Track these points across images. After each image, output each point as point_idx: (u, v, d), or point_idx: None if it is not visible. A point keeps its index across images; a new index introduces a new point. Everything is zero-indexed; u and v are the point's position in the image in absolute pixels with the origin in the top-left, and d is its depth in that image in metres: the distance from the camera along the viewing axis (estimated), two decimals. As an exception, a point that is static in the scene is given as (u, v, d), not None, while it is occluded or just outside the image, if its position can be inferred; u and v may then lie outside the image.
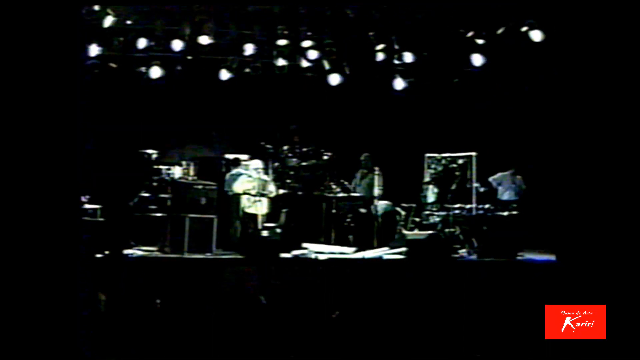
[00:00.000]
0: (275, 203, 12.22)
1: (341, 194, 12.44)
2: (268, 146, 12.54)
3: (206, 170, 12.53)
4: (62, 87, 5.29)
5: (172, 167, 11.97)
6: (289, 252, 10.90)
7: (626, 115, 5.38)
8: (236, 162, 12.32)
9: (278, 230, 11.65)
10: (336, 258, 10.84)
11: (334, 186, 12.48)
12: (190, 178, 12.01)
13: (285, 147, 12.68)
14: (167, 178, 11.76)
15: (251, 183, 12.03)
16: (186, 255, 10.80)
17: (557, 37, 6.00)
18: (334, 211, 12.20)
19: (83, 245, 5.58)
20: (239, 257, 10.57)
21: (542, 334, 5.68)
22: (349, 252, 11.35)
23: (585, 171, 5.44)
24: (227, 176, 12.18)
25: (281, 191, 12.43)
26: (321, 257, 10.78)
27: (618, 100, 5.42)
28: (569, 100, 5.50)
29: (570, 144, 5.50)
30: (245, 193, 12.01)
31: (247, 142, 12.89)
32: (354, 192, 12.66)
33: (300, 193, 12.47)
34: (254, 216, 11.93)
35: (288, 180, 12.55)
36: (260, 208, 11.95)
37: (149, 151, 11.96)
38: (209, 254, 10.97)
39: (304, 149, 12.73)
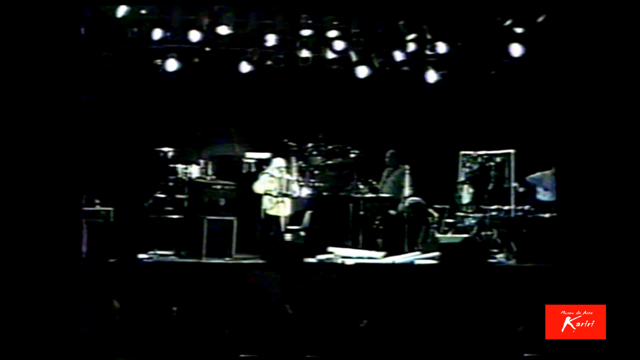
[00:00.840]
0: (299, 204, 12.30)
1: (369, 195, 12.43)
2: (291, 144, 12.57)
3: (225, 169, 12.61)
4: (60, 82, 5.43)
5: (189, 166, 11.98)
6: (313, 256, 10.90)
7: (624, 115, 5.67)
8: (269, 162, 12.43)
9: (302, 234, 11.77)
10: (364, 263, 10.84)
11: (361, 186, 12.48)
12: (208, 178, 12.00)
13: (310, 145, 12.71)
14: (184, 178, 11.80)
15: (273, 183, 12.06)
16: (204, 260, 10.87)
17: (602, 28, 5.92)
18: (361, 213, 12.19)
19: (82, 250, 5.82)
20: (261, 262, 10.50)
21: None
22: (377, 256, 11.34)
23: (585, 170, 5.73)
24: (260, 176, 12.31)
25: (305, 192, 12.47)
26: (348, 262, 10.78)
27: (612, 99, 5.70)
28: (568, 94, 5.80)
29: (568, 141, 5.82)
30: (266, 194, 12.04)
31: (268, 139, 12.96)
32: (381, 192, 12.64)
33: (325, 193, 12.52)
34: (276, 218, 12.00)
35: (313, 180, 12.57)
36: (282, 209, 11.99)
37: (165, 149, 11.97)
38: (228, 259, 11.03)
39: (330, 147, 12.74)
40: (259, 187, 12.14)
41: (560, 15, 6.36)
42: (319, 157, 12.70)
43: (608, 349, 5.62)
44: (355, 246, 11.91)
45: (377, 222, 12.08)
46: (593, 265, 5.63)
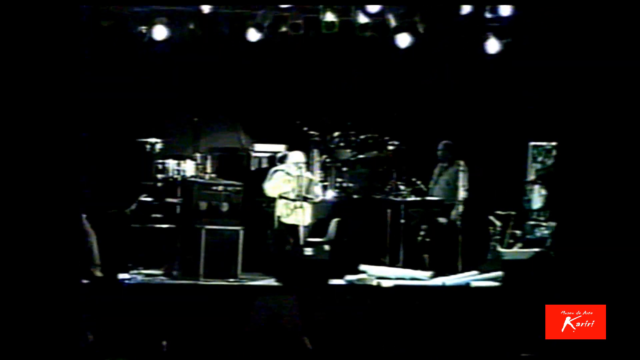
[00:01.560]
0: (323, 210, 12.30)
1: (413, 198, 12.40)
2: (312, 133, 12.58)
3: (229, 165, 12.67)
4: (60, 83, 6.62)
5: (182, 162, 12.00)
6: (341, 277, 11.00)
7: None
8: (283, 159, 12.45)
9: (326, 248, 11.67)
10: (406, 285, 10.90)
11: (402, 187, 12.46)
12: (207, 176, 12.02)
13: (336, 134, 12.70)
14: (175, 176, 11.82)
15: (290, 183, 12.00)
16: (202, 282, 10.92)
17: None
18: (402, 221, 12.19)
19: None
20: (274, 284, 10.68)
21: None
22: (423, 277, 11.39)
23: (585, 168, 7.02)
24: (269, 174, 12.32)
25: (330, 194, 12.48)
26: (385, 283, 10.81)
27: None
28: None
29: (569, 140, 7.22)
30: (281, 197, 11.98)
31: (283, 128, 13.01)
32: (431, 194, 12.66)
33: (356, 197, 12.50)
34: (293, 228, 11.92)
35: (340, 180, 12.57)
36: (302, 217, 11.91)
37: (152, 140, 11.99)
38: (232, 280, 11.11)
39: (362, 137, 12.71)
40: (271, 188, 12.08)
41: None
42: (348, 150, 12.69)
43: (608, 349, 6.83)
44: (394, 264, 11.94)
45: (422, 233, 12.13)
46: (593, 265, 6.89)
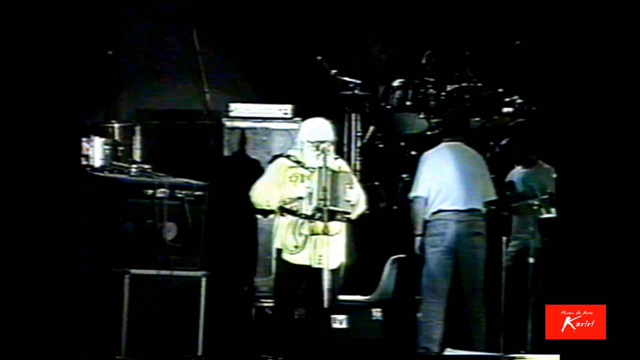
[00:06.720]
0: (367, 234, 12.34)
1: (553, 214, 12.35)
2: (348, 79, 13.06)
3: (179, 146, 13.21)
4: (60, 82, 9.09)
5: (85, 139, 12.17)
6: None
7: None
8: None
9: (377, 315, 11.66)
10: None
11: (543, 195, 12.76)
12: (134, 168, 11.90)
13: (397, 83, 13.19)
14: None
15: (301, 183, 11.39)
16: None
17: None
18: (531, 260, 12.14)
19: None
20: None
21: None
22: None
23: (585, 169, 9.65)
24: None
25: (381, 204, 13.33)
26: None
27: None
28: None
29: (568, 138, 9.78)
30: (284, 211, 11.27)
31: (290, 69, 13.51)
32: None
33: None
34: (309, 274, 11.21)
35: (404, 175, 12.96)
36: (325, 252, 11.16)
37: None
38: None
39: (450, 88, 13.26)
40: (262, 192, 11.41)
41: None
42: (421, 116, 13.14)
43: (608, 349, 9.47)
44: (515, 347, 11.99)
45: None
46: (593, 265, 9.55)
